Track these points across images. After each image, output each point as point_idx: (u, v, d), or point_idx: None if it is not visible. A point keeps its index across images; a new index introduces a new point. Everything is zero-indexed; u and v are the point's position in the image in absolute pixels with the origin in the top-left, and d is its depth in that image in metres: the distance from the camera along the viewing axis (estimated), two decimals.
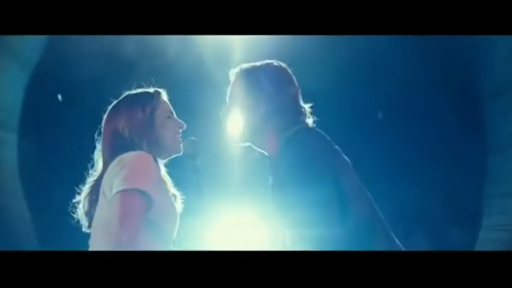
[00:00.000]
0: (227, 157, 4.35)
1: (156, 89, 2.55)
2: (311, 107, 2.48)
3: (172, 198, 2.41)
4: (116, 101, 2.53)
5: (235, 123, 2.48)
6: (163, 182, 2.42)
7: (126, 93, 2.54)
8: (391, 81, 4.50)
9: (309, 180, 2.19)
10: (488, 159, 4.52)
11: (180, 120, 2.52)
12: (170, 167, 2.52)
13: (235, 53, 4.41)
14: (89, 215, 2.38)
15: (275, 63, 2.51)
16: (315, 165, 2.21)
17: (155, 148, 2.41)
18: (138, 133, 2.40)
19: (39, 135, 4.52)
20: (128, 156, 2.29)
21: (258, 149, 2.49)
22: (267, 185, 2.47)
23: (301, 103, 2.49)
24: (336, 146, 2.32)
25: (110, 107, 2.53)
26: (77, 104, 4.44)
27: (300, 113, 2.45)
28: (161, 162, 2.48)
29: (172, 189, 2.44)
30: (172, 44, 4.08)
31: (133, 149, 2.34)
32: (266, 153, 2.47)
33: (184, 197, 2.45)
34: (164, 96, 2.54)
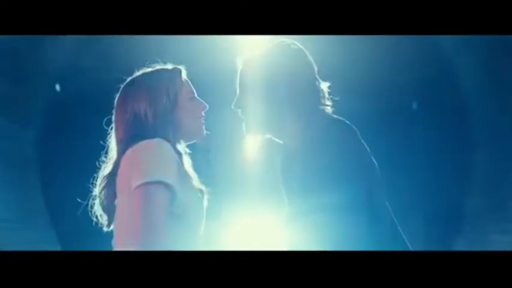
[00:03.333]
0: (242, 151, 4.17)
1: (176, 66, 2.35)
2: (329, 87, 2.30)
3: (198, 192, 2.25)
4: (130, 79, 2.31)
5: (250, 114, 2.31)
6: (187, 174, 2.24)
7: (142, 70, 2.32)
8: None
9: (335, 179, 2.04)
10: None
11: (202, 101, 2.33)
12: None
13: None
14: (108, 211, 2.20)
15: (287, 42, 2.34)
16: (343, 164, 2.07)
17: (179, 133, 2.25)
18: (164, 119, 2.21)
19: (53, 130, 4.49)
20: (144, 145, 2.10)
21: (279, 140, 2.33)
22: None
23: (319, 84, 2.30)
24: (366, 146, 2.18)
25: (123, 85, 2.31)
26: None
27: (319, 95, 2.27)
28: (184, 154, 2.30)
29: (197, 183, 2.26)
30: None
31: (156, 135, 2.14)
32: (282, 142, 2.31)
33: (209, 194, 2.28)
34: (184, 74, 2.34)
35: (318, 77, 2.31)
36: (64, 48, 4.30)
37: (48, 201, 4.46)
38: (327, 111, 2.27)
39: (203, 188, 2.28)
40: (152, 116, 2.20)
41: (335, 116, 2.26)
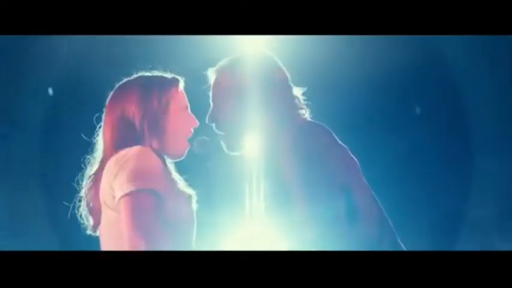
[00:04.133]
0: (242, 159, 4.14)
1: (175, 75, 2.28)
2: (303, 93, 2.27)
3: (186, 196, 2.17)
4: (125, 79, 2.24)
5: (226, 129, 2.26)
6: (174, 181, 2.17)
7: (139, 73, 2.25)
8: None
9: (315, 181, 2.04)
10: None
11: (194, 117, 2.25)
12: (178, 168, 2.26)
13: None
14: (93, 213, 2.13)
15: (257, 50, 2.32)
16: (320, 164, 2.06)
17: (162, 143, 2.15)
18: (151, 123, 2.13)
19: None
20: (126, 153, 2.03)
21: (256, 150, 2.29)
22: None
23: (293, 91, 2.27)
24: (342, 143, 2.18)
25: (118, 85, 2.24)
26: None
27: (294, 105, 2.25)
28: (169, 161, 2.22)
29: (185, 188, 2.19)
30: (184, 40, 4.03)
31: (141, 142, 2.09)
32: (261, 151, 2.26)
33: (197, 196, 2.20)
34: (182, 85, 2.26)
35: (291, 83, 2.29)
36: (67, 48, 4.29)
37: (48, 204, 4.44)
38: (302, 116, 2.25)
39: (190, 191, 2.20)
40: (140, 119, 2.13)
41: (310, 119, 2.26)
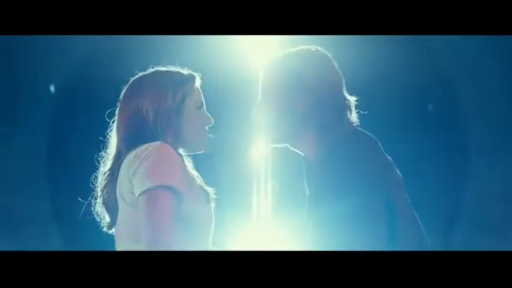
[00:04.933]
0: (250, 158, 4.02)
1: (191, 72, 2.23)
2: (356, 100, 2.17)
3: (204, 194, 2.15)
4: (141, 74, 2.21)
5: (270, 121, 2.17)
6: (191, 177, 2.15)
7: (155, 68, 2.21)
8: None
9: (356, 192, 1.93)
10: None
11: (208, 115, 2.21)
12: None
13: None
14: (110, 211, 2.10)
15: (312, 49, 2.19)
16: (364, 175, 1.95)
17: (178, 140, 2.13)
18: (164, 120, 2.10)
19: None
20: (146, 148, 2.00)
21: (295, 149, 2.21)
22: (296, 189, 2.26)
23: (346, 94, 2.17)
24: (389, 157, 2.08)
25: (132, 79, 2.20)
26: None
27: (345, 107, 2.14)
28: (185, 156, 2.20)
29: (202, 185, 2.17)
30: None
31: (155, 138, 2.05)
32: (302, 154, 2.19)
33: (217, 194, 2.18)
34: (198, 82, 2.22)
35: (345, 88, 2.18)
36: (74, 48, 4.29)
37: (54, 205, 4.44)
38: (352, 124, 2.15)
39: (209, 189, 2.18)
40: (153, 115, 2.09)
41: (359, 128, 2.16)
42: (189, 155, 2.25)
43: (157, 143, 2.03)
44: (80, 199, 2.20)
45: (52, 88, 4.51)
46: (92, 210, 2.17)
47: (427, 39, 4.12)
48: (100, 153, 2.19)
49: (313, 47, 2.19)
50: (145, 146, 2.01)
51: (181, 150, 2.19)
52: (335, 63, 2.19)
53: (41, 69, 4.43)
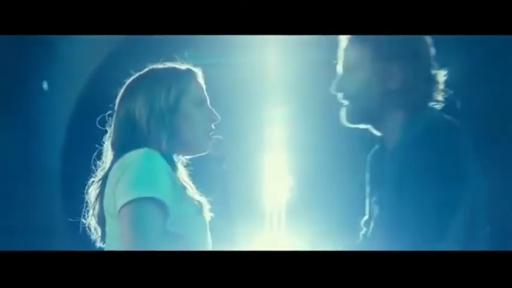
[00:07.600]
0: (260, 160, 3.93)
1: (190, 67, 2.09)
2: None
3: (197, 205, 2.01)
4: (136, 74, 2.08)
5: (353, 99, 2.02)
6: (182, 187, 2.02)
7: (152, 66, 2.09)
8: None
9: (435, 179, 1.80)
10: None
11: (213, 111, 2.07)
12: (189, 172, 2.11)
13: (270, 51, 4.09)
14: (101, 223, 2.00)
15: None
16: (450, 169, 1.81)
17: (173, 143, 2.00)
18: (157, 122, 1.97)
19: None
20: (128, 157, 1.89)
21: (377, 132, 2.06)
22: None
23: (435, 73, 2.00)
24: (473, 152, 1.95)
25: (127, 81, 2.08)
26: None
27: (433, 89, 1.98)
28: (180, 163, 2.08)
29: (195, 195, 2.04)
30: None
31: (147, 144, 1.92)
32: (379, 134, 2.04)
33: (211, 205, 2.05)
34: (199, 77, 2.09)
35: (433, 63, 2.00)
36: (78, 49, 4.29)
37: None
38: (437, 107, 2.00)
39: (202, 199, 2.05)
40: (146, 117, 1.97)
41: (445, 115, 2.00)
42: (187, 163, 2.12)
43: (142, 149, 1.90)
44: (70, 219, 2.15)
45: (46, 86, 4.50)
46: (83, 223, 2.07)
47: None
48: (96, 162, 2.09)
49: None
50: (128, 154, 1.90)
51: (180, 155, 2.08)
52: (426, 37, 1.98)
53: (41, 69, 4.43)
